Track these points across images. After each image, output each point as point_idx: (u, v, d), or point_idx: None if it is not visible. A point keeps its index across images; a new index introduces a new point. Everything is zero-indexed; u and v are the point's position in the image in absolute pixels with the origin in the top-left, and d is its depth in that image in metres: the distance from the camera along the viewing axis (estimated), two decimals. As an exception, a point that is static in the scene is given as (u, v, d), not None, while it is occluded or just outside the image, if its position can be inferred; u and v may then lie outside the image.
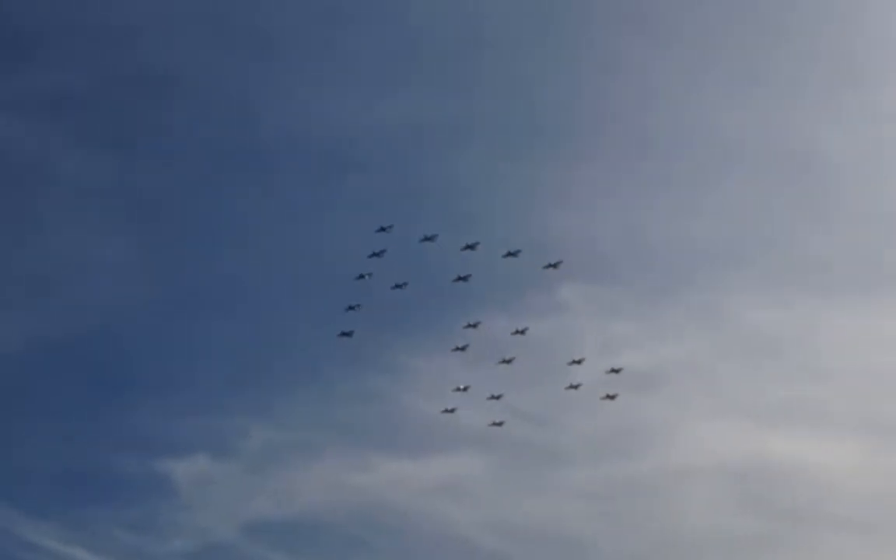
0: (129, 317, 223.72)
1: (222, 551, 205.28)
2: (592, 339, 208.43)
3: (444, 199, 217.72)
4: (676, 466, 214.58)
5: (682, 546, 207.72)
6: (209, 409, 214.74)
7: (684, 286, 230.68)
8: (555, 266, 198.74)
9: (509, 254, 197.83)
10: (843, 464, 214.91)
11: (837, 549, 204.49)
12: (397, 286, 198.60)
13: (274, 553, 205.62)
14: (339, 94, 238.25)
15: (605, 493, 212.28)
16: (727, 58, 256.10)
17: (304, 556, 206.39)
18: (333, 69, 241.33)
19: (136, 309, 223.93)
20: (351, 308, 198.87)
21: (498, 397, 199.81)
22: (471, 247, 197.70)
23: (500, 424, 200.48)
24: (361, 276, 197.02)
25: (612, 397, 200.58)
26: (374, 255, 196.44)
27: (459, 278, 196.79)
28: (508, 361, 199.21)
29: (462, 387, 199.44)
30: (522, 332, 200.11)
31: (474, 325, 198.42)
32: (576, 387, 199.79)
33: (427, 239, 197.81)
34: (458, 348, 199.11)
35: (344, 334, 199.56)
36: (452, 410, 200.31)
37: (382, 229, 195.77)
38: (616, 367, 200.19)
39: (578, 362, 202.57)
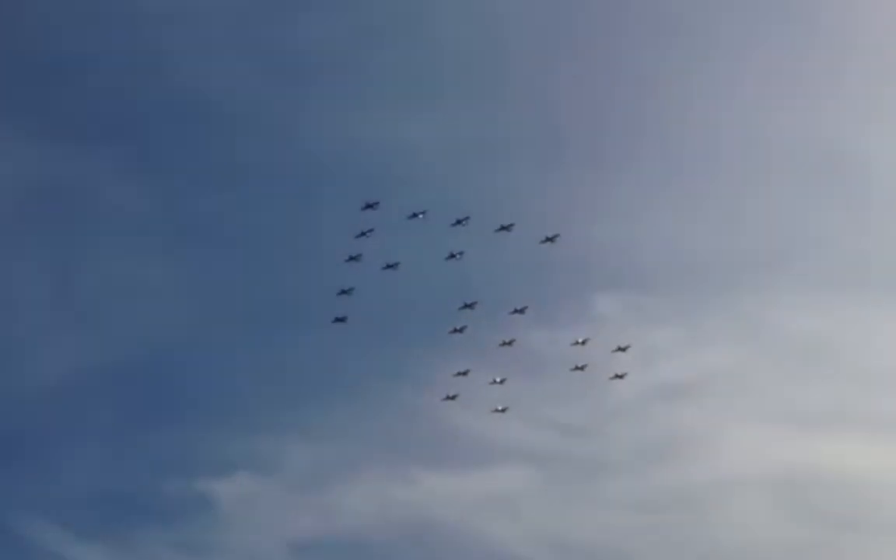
0: (173, 340, 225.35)
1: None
2: (632, 350, 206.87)
3: (481, 214, 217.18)
4: (723, 476, 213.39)
5: (730, 556, 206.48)
6: (251, 428, 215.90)
7: (725, 293, 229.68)
8: (551, 240, 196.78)
9: (502, 228, 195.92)
10: (893, 469, 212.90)
11: (890, 557, 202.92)
12: (388, 266, 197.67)
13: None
14: (374, 113, 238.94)
15: (651, 504, 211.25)
16: (762, 61, 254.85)
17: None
18: (366, 88, 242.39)
19: (178, 332, 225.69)
20: (344, 292, 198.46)
21: (501, 382, 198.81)
22: (460, 222, 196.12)
23: (503, 411, 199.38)
24: (352, 259, 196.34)
25: (620, 377, 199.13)
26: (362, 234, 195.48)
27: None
28: (509, 343, 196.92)
29: (462, 371, 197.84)
30: (521, 311, 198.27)
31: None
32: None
33: (414, 216, 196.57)
34: (455, 330, 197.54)
35: (338, 320, 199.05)
36: (454, 396, 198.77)
37: (369, 206, 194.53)
38: (623, 346, 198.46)
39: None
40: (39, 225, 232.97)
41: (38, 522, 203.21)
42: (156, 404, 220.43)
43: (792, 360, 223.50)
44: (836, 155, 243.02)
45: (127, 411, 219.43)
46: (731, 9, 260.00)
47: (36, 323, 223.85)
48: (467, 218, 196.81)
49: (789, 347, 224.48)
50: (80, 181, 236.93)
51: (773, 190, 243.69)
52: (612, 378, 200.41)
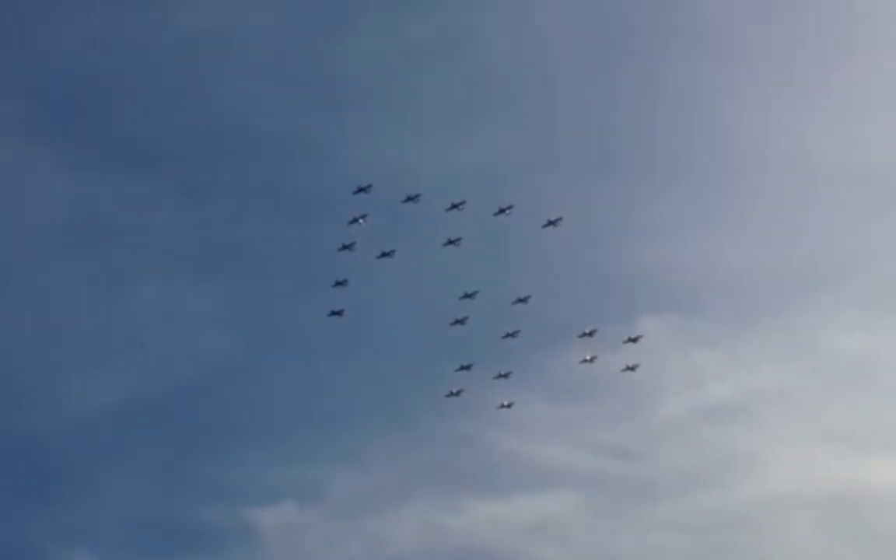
0: (217, 367, 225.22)
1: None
2: (677, 371, 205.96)
3: (537, 241, 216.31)
4: (773, 496, 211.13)
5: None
6: (295, 456, 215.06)
7: (773, 313, 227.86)
8: (554, 223, 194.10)
9: (500, 211, 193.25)
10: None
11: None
12: (384, 254, 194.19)
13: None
14: (420, 138, 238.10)
15: (700, 527, 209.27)
16: (810, 77, 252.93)
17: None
18: (412, 113, 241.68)
19: (223, 359, 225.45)
20: (339, 284, 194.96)
21: (506, 376, 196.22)
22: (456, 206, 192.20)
23: (508, 407, 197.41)
24: (345, 248, 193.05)
25: (631, 369, 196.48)
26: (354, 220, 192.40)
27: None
28: (513, 335, 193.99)
29: (465, 365, 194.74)
30: (525, 298, 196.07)
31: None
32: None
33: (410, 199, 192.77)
34: (456, 321, 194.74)
35: (334, 314, 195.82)
36: (458, 393, 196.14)
37: (361, 190, 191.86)
38: (633, 336, 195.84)
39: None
40: (83, 253, 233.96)
41: (82, 552, 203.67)
42: (200, 432, 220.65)
43: (842, 379, 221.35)
44: (887, 172, 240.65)
45: (172, 439, 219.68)
46: (774, 24, 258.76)
47: (80, 351, 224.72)
48: (463, 202, 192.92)
49: (839, 366, 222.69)
50: (123, 209, 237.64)
51: (822, 208, 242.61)
52: (623, 370, 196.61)
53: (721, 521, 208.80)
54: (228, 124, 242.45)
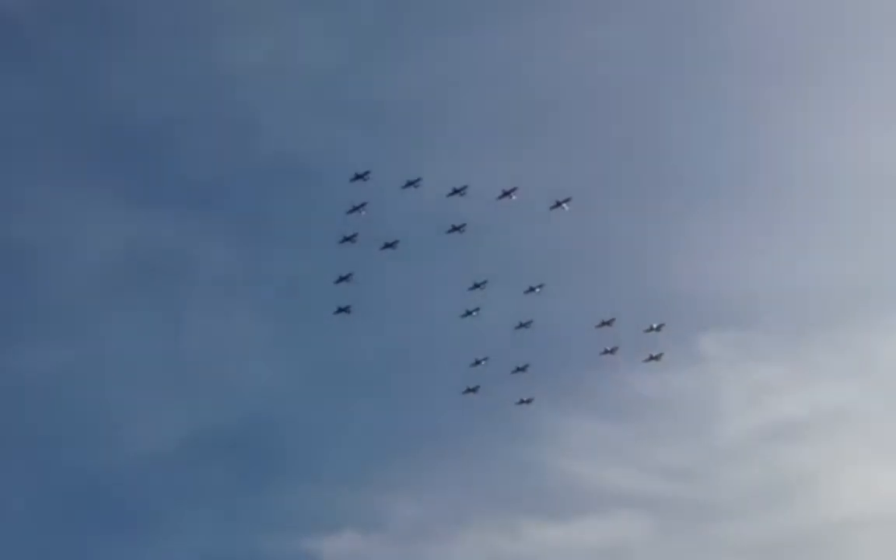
0: (278, 399, 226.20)
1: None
2: (739, 388, 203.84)
3: (591, 262, 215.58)
4: (840, 516, 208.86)
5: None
6: (355, 485, 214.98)
7: (835, 328, 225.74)
8: (561, 204, 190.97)
9: (504, 194, 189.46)
10: None
11: None
12: (387, 245, 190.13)
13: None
14: (468, 163, 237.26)
15: (767, 548, 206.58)
16: (863, 92, 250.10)
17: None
18: (453, 136, 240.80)
19: (283, 391, 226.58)
20: (342, 279, 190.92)
21: (524, 369, 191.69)
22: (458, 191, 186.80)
23: (528, 402, 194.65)
24: (346, 240, 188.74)
25: (655, 358, 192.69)
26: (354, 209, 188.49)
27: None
28: (526, 325, 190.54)
29: (479, 359, 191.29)
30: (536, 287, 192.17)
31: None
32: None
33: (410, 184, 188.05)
34: (467, 313, 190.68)
35: (341, 310, 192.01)
36: (475, 389, 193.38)
37: (358, 177, 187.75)
38: (655, 325, 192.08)
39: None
40: (144, 291, 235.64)
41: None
42: (262, 464, 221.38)
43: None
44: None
45: (235, 472, 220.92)
46: (833, 37, 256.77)
47: (143, 388, 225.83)
48: (465, 187, 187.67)
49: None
50: (182, 245, 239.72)
51: (883, 222, 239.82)
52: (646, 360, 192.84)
53: (786, 542, 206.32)
54: (280, 159, 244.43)
